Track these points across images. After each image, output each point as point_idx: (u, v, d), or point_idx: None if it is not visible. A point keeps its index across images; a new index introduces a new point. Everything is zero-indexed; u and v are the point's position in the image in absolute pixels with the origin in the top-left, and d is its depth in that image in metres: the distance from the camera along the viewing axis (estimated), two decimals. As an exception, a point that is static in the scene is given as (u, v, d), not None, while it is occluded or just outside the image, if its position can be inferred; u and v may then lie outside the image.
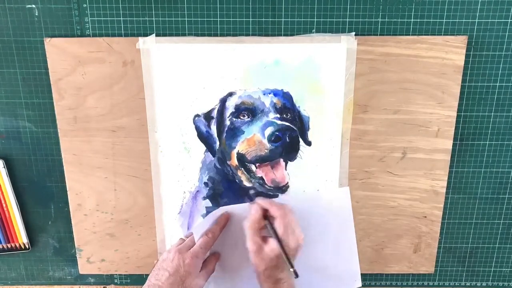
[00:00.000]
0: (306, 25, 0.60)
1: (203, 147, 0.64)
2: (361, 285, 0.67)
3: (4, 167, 0.66)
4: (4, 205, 0.68)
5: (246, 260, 0.58)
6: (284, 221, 0.56)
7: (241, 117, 0.62)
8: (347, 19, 0.59)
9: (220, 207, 0.62)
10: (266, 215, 0.58)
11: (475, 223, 0.70)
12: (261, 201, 0.59)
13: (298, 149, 0.63)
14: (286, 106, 0.62)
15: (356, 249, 0.66)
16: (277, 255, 0.55)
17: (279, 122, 0.62)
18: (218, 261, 0.62)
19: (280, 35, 0.60)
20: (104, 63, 0.60)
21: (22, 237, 0.70)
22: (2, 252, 0.70)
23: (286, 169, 0.64)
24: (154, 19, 0.60)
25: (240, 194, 0.66)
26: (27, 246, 0.70)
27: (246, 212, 0.59)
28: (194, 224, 0.67)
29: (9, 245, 0.70)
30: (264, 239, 0.57)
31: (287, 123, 0.62)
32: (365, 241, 0.69)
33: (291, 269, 0.54)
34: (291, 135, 0.62)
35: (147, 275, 0.72)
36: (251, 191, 0.66)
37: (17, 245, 0.70)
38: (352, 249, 0.66)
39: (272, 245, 0.56)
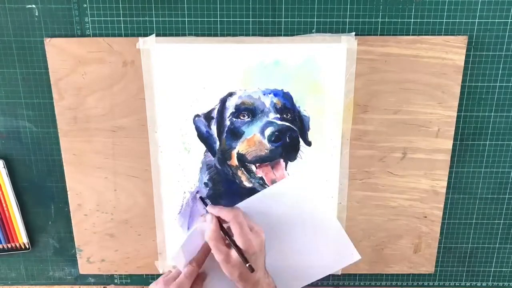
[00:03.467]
0: (306, 25, 0.60)
1: (203, 147, 0.64)
2: (360, 258, 0.66)
3: (4, 167, 0.66)
4: (4, 205, 0.68)
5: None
6: (237, 221, 0.56)
7: (241, 117, 0.62)
8: (347, 19, 0.59)
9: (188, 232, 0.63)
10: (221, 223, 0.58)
11: (475, 223, 0.70)
12: (211, 210, 0.59)
13: (298, 149, 0.63)
14: (286, 106, 0.62)
15: (339, 225, 0.66)
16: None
17: (279, 122, 0.62)
18: (205, 281, 0.61)
19: (280, 35, 0.60)
20: (104, 63, 0.60)
21: (22, 237, 0.70)
22: (2, 252, 0.70)
23: (286, 169, 0.64)
24: (154, 19, 0.60)
25: (240, 195, 0.65)
26: (27, 246, 0.70)
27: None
28: (173, 254, 0.65)
29: (9, 245, 0.70)
30: (229, 246, 0.56)
31: (287, 123, 0.62)
32: (365, 241, 0.69)
33: (246, 265, 0.54)
34: (291, 135, 0.62)
35: (147, 275, 0.72)
36: (251, 191, 0.65)
37: (17, 245, 0.70)
38: (334, 226, 0.66)
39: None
